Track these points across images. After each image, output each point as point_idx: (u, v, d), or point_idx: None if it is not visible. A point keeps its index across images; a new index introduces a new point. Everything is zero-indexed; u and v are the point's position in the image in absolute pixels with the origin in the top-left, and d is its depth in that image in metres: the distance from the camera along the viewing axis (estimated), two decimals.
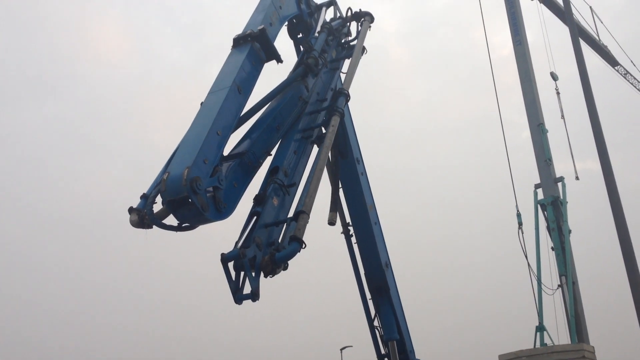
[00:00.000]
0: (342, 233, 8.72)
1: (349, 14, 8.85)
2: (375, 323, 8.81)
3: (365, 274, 8.80)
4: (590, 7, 22.96)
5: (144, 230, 4.73)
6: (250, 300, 4.81)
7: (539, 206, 15.41)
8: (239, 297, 4.77)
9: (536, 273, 14.84)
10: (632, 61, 24.83)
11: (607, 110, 13.47)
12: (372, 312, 8.80)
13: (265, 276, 4.95)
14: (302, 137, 6.51)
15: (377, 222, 8.92)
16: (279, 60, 6.45)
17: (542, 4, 19.75)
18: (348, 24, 8.82)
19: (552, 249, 14.97)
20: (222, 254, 4.77)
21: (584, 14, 22.10)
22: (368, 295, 8.83)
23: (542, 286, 14.72)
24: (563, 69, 18.57)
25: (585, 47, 20.53)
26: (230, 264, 4.79)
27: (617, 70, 24.63)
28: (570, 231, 15.00)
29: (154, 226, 4.78)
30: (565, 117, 17.28)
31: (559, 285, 14.56)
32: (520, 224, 15.21)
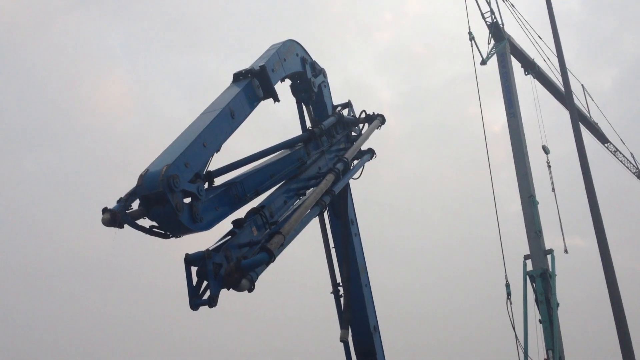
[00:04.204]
0: (331, 293, 8.67)
1: (363, 115, 9.04)
2: None
3: (352, 336, 8.68)
4: (582, 85, 23.67)
5: (115, 229, 4.56)
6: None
7: (527, 277, 15.39)
8: (195, 303, 4.61)
9: (523, 345, 14.67)
10: (621, 139, 25.32)
11: (597, 188, 13.73)
12: None
13: (228, 287, 4.75)
14: (296, 194, 6.57)
15: (368, 285, 8.89)
16: (276, 99, 6.49)
17: (535, 80, 20.28)
18: (361, 125, 9.03)
19: (540, 321, 14.87)
20: (187, 254, 4.66)
21: (574, 91, 22.69)
22: (354, 358, 8.71)
23: (529, 359, 14.54)
24: (554, 146, 18.92)
25: None
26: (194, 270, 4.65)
27: (607, 148, 25.05)
28: (558, 304, 14.91)
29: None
30: (555, 191, 17.53)
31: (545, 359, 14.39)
32: (508, 294, 15.14)
